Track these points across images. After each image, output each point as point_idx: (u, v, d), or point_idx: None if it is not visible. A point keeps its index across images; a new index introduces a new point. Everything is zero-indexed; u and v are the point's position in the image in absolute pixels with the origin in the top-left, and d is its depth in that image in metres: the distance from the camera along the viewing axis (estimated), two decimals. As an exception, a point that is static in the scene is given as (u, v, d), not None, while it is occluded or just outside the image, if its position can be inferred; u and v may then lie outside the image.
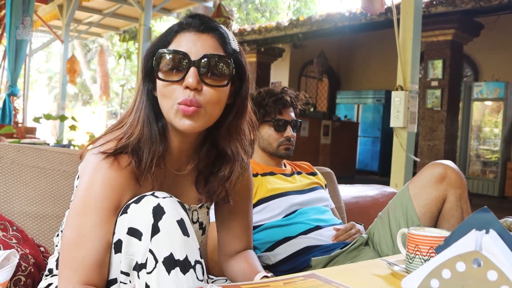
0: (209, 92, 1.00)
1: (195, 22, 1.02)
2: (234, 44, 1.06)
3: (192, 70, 0.98)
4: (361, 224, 1.89)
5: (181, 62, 0.98)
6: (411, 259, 1.09)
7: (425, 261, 1.05)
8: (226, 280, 1.29)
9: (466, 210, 1.67)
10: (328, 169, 2.32)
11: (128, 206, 0.97)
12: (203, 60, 0.98)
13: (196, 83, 0.97)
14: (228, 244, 1.29)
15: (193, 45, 1.00)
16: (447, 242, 0.83)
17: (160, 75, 0.99)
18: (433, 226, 1.68)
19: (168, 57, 0.99)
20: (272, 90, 1.90)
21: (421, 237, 1.08)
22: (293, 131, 1.90)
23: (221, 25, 1.06)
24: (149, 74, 1.04)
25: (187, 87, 0.98)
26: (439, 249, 0.84)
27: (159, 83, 1.01)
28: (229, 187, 1.14)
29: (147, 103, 1.05)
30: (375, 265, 1.20)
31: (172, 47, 1.01)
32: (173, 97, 0.99)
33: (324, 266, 1.63)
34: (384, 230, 1.73)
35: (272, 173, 1.88)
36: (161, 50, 1.00)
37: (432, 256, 1.03)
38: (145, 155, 1.01)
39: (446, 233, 1.08)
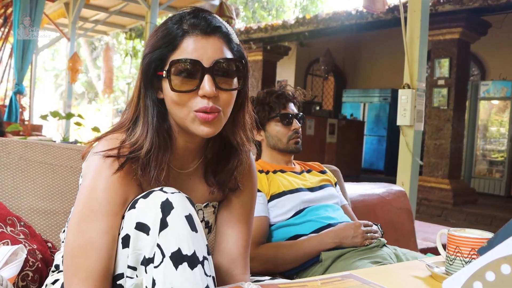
0: (225, 96, 1.00)
1: (200, 24, 0.98)
2: (235, 37, 1.05)
3: (207, 78, 0.96)
4: (377, 225, 1.85)
5: (194, 70, 0.97)
6: (451, 260, 1.07)
7: (466, 263, 1.04)
8: (271, 278, 1.23)
9: None
10: (335, 167, 2.31)
11: (136, 201, 0.96)
12: (216, 66, 0.97)
13: (213, 91, 0.96)
14: (220, 254, 1.20)
15: (203, 50, 0.97)
16: (491, 244, 0.81)
17: (174, 84, 0.97)
18: None
19: (181, 66, 0.97)
20: (272, 89, 1.94)
21: (462, 238, 1.06)
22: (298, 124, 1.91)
23: (220, 19, 1.03)
24: (151, 79, 1.01)
25: (204, 96, 0.97)
26: (482, 251, 0.81)
27: (170, 91, 0.99)
28: (237, 175, 1.15)
29: (154, 112, 1.02)
30: (414, 266, 1.19)
31: (180, 53, 0.98)
32: (188, 105, 0.98)
33: (334, 260, 1.63)
34: None
35: (282, 171, 1.88)
36: (174, 60, 0.97)
37: (474, 258, 1.01)
38: (153, 163, 0.99)
39: (488, 235, 1.06)
